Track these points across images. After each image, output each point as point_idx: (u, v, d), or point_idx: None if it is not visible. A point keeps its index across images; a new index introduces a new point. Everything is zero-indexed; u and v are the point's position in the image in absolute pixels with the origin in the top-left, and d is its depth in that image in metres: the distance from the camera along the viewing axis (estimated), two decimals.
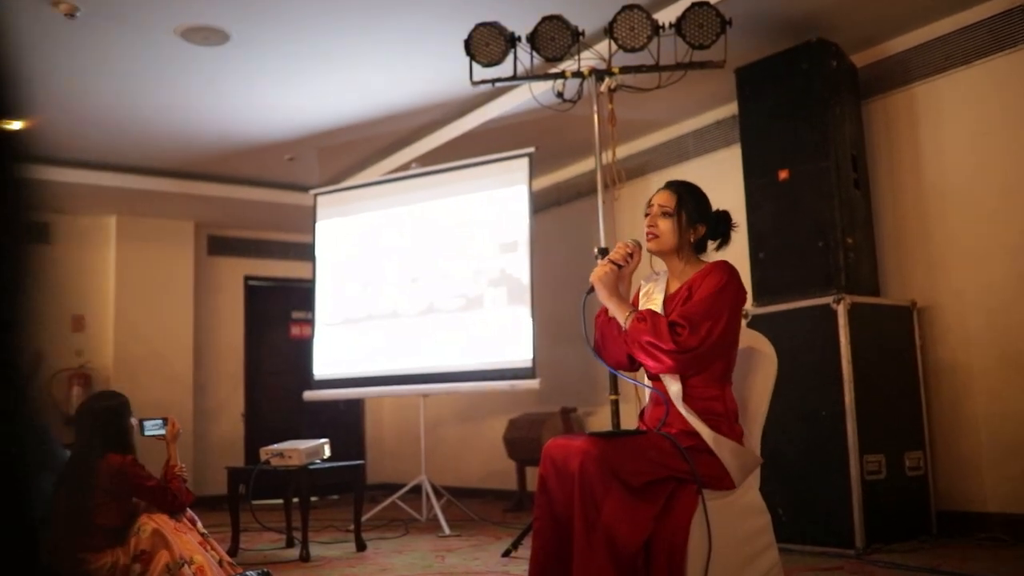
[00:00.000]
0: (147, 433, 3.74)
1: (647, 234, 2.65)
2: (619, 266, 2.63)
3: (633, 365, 2.67)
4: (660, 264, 2.72)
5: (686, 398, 2.51)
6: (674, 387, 2.52)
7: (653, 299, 2.67)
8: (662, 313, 2.58)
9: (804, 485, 4.13)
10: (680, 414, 2.50)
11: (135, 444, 3.59)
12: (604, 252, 4.00)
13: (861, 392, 4.07)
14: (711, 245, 2.71)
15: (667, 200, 2.64)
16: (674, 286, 2.65)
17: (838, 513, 4.01)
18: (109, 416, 3.54)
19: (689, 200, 2.63)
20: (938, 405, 4.48)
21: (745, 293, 2.57)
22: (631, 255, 2.66)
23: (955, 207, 4.51)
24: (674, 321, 2.46)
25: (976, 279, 4.40)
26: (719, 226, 2.66)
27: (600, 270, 2.62)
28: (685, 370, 2.48)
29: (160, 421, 3.78)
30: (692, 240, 2.63)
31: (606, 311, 2.66)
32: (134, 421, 3.63)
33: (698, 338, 2.41)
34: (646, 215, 2.67)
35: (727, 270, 2.54)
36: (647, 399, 2.73)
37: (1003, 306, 4.28)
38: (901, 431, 4.28)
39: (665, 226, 2.62)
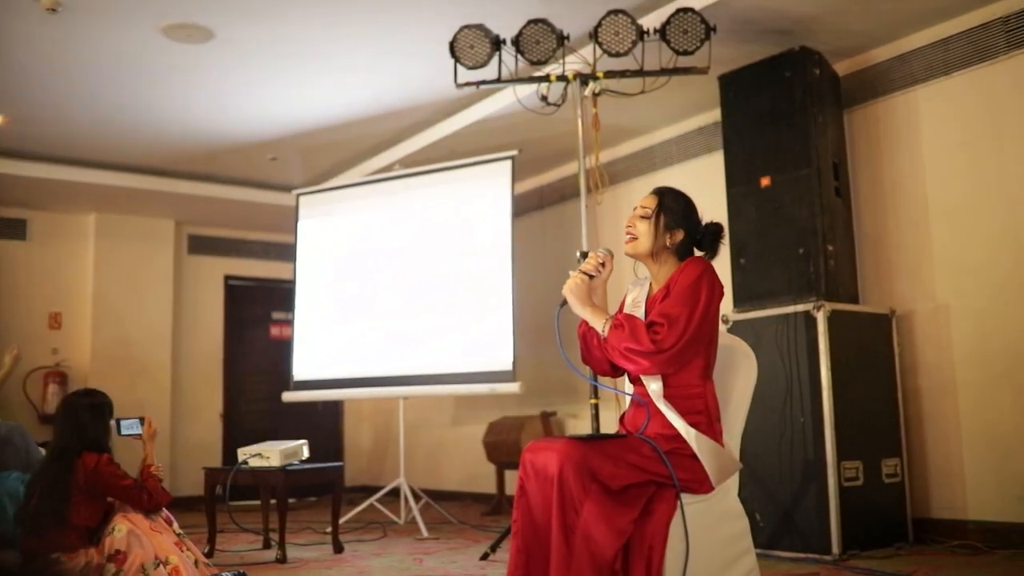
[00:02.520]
0: (123, 432, 3.72)
1: (626, 234, 2.66)
2: (591, 276, 2.63)
3: (617, 371, 2.68)
4: (644, 270, 2.72)
5: (667, 395, 2.51)
6: (654, 385, 2.52)
7: (639, 304, 2.67)
8: (643, 315, 2.58)
9: (781, 491, 4.15)
10: (660, 415, 2.50)
11: (111, 444, 3.57)
12: (586, 256, 3.99)
13: (839, 399, 4.09)
14: (698, 255, 2.70)
15: (648, 202, 2.65)
16: (655, 288, 2.66)
17: (815, 519, 4.03)
18: (92, 413, 3.52)
19: (670, 204, 2.64)
20: (915, 412, 4.51)
21: (722, 286, 2.56)
22: (603, 264, 2.66)
23: (934, 215, 4.55)
24: (652, 320, 2.47)
25: (954, 287, 4.44)
26: (706, 237, 2.65)
27: (571, 282, 2.62)
28: (665, 369, 2.48)
29: (136, 420, 3.76)
30: (669, 244, 2.62)
31: (586, 322, 2.65)
32: (111, 421, 3.61)
33: (676, 334, 2.41)
34: None
35: (701, 264, 2.55)
36: (627, 403, 2.74)
37: (981, 314, 4.32)
38: (879, 438, 4.31)
39: (643, 228, 2.63)
